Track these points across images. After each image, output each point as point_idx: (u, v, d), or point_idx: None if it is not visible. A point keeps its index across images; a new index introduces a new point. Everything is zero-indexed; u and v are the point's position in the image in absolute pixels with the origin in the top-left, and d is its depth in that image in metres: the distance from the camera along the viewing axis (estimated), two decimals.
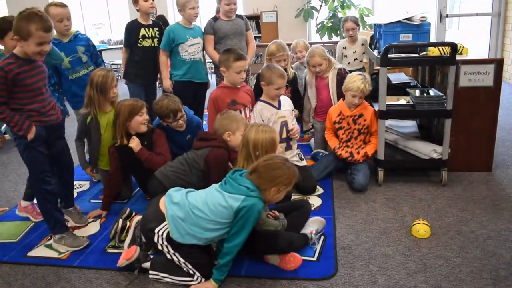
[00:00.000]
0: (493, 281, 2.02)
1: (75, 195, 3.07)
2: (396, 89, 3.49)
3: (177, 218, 2.07)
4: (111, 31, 10.54)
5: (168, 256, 2.10)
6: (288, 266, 2.19)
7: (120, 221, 2.47)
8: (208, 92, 3.60)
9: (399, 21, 3.23)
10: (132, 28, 3.67)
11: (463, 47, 3.32)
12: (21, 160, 2.43)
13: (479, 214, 2.64)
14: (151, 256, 2.23)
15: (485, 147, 3.20)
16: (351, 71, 3.49)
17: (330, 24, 7.77)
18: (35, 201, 2.84)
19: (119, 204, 3.04)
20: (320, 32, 7.88)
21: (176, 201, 2.12)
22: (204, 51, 3.92)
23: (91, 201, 3.18)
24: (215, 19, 3.87)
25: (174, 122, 3.03)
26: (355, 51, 4.36)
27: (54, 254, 2.46)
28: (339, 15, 7.73)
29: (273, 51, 3.71)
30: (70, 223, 2.77)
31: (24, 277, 2.28)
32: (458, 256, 2.23)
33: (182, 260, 2.08)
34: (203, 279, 2.08)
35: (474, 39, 8.12)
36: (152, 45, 3.71)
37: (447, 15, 6.55)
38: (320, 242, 2.42)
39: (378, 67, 3.05)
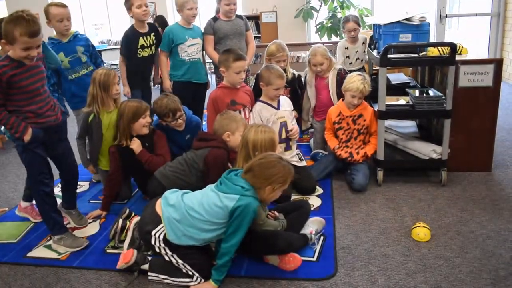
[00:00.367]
0: (492, 281, 2.02)
1: None
2: (396, 89, 3.49)
3: (173, 220, 2.06)
4: (111, 31, 10.54)
5: (166, 258, 2.10)
6: (288, 266, 2.18)
7: (120, 221, 2.47)
8: (208, 92, 3.61)
9: (398, 22, 3.23)
10: (131, 38, 3.60)
11: (462, 47, 3.32)
12: (20, 160, 2.43)
13: (478, 214, 2.64)
14: (150, 258, 2.23)
15: (485, 147, 3.20)
16: (352, 72, 3.48)
17: (329, 25, 7.77)
18: (34, 201, 2.84)
19: (118, 204, 3.04)
20: (319, 33, 7.88)
21: (172, 203, 2.12)
22: (204, 52, 3.92)
23: (91, 201, 3.18)
24: (214, 19, 3.87)
25: (173, 121, 3.03)
26: (357, 51, 4.34)
27: (54, 255, 2.46)
28: (339, 15, 7.73)
29: (273, 52, 3.71)
30: (70, 224, 2.77)
31: (24, 278, 2.27)
32: (457, 256, 2.23)
33: (180, 261, 2.08)
34: (203, 280, 2.08)
35: (473, 39, 8.12)
36: (151, 53, 3.69)
37: (446, 15, 6.56)
38: (320, 242, 2.42)
39: (378, 67, 3.05)
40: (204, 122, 4.13)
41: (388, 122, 3.70)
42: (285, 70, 3.71)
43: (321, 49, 3.61)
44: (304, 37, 8.89)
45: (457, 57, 3.00)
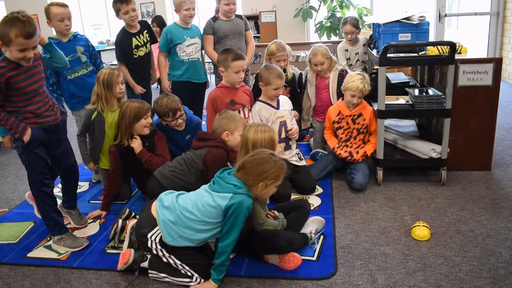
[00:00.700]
0: (492, 280, 2.02)
1: None
2: (395, 89, 3.49)
3: (168, 222, 2.06)
4: (110, 32, 10.53)
5: (164, 260, 2.09)
6: (288, 265, 2.19)
7: (120, 221, 2.47)
8: (207, 92, 3.60)
9: (398, 21, 3.23)
10: (124, 41, 3.60)
11: (462, 46, 3.32)
12: (19, 161, 2.44)
13: (478, 213, 2.64)
14: (148, 256, 2.23)
15: (484, 146, 3.20)
16: None
17: (329, 24, 7.77)
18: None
19: (118, 204, 3.04)
20: (319, 32, 7.88)
21: (166, 205, 2.11)
22: (203, 51, 3.92)
23: (91, 201, 3.18)
24: (214, 19, 3.87)
25: (173, 121, 3.04)
26: (357, 53, 4.30)
27: (54, 255, 2.46)
28: (338, 14, 7.73)
29: (273, 51, 3.71)
30: (70, 224, 2.77)
31: (24, 278, 2.27)
32: (457, 255, 2.23)
33: (178, 262, 2.08)
34: (202, 280, 2.08)
35: (473, 38, 8.13)
36: (147, 51, 3.69)
37: (445, 14, 6.56)
38: (320, 241, 2.42)
39: (377, 67, 3.05)
40: (203, 122, 4.13)
41: (388, 122, 3.70)
42: (285, 70, 3.71)
43: (322, 48, 3.61)
44: (304, 36, 8.89)
45: (457, 56, 3.00)
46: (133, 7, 3.52)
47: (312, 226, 2.45)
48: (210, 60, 4.02)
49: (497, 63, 3.03)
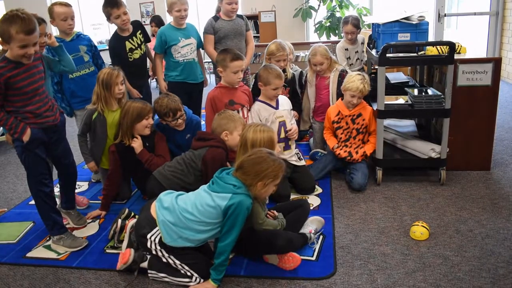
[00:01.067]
0: (491, 280, 2.02)
1: None
2: (395, 89, 3.49)
3: (168, 223, 2.06)
4: (110, 31, 10.53)
5: (164, 260, 2.09)
6: (287, 265, 2.19)
7: (119, 221, 2.47)
8: (206, 92, 3.59)
9: (397, 21, 3.23)
10: (117, 45, 3.54)
11: (461, 46, 3.32)
12: (19, 161, 2.43)
13: (477, 213, 2.64)
14: (148, 256, 2.23)
15: (484, 146, 3.20)
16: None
17: (328, 24, 7.77)
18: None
19: (118, 204, 3.04)
20: (318, 32, 7.88)
21: (166, 206, 2.11)
22: (202, 50, 3.89)
23: (90, 201, 3.16)
24: (215, 18, 3.85)
25: (173, 121, 3.04)
26: (357, 51, 4.30)
27: (53, 255, 2.46)
28: (337, 14, 7.73)
29: (272, 51, 3.70)
30: (69, 224, 2.77)
31: (23, 278, 2.27)
32: (456, 255, 2.23)
33: (178, 262, 2.08)
34: (202, 280, 2.08)
35: (472, 38, 8.13)
36: (141, 53, 3.62)
37: (445, 14, 6.56)
38: (319, 241, 2.42)
39: (377, 67, 3.05)
40: (202, 122, 4.13)
41: (387, 121, 3.70)
42: (284, 70, 3.71)
43: (322, 48, 3.61)
44: (303, 36, 8.89)
45: (456, 56, 3.00)
46: (124, 11, 3.43)
47: (311, 226, 2.45)
48: (210, 60, 4.00)
49: (497, 63, 3.03)
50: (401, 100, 3.23)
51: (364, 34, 4.56)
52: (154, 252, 2.09)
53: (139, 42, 3.59)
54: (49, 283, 2.22)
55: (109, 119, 2.95)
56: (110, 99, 2.94)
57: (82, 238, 2.59)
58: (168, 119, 3.03)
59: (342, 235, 2.49)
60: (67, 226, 2.67)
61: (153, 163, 2.85)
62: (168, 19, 8.66)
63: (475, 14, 7.39)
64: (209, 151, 2.64)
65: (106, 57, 3.53)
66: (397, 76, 3.94)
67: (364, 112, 3.21)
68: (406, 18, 3.22)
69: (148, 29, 5.29)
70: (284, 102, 3.23)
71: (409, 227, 2.48)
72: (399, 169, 3.30)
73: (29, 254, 2.50)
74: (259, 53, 5.84)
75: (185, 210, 2.06)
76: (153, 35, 5.47)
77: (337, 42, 4.62)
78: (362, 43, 4.29)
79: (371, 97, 3.35)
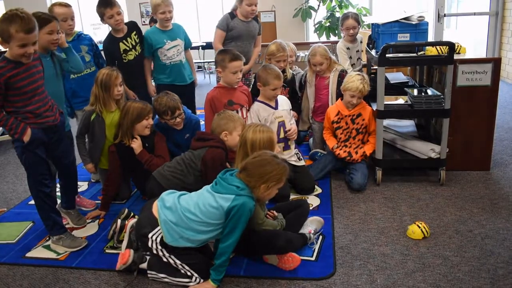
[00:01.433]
0: (491, 280, 2.02)
1: None
2: (394, 89, 3.49)
3: (170, 222, 2.06)
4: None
5: (164, 259, 2.09)
6: (287, 266, 2.19)
7: (119, 221, 2.47)
8: (205, 92, 3.58)
9: (397, 21, 3.23)
10: (111, 47, 3.50)
11: (460, 46, 3.32)
12: (18, 161, 2.43)
13: (477, 213, 2.64)
14: (147, 257, 2.23)
15: (483, 146, 3.20)
16: None
17: (328, 24, 7.77)
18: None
19: (117, 204, 3.04)
20: (318, 32, 7.88)
21: (168, 205, 2.11)
22: (192, 50, 3.82)
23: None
24: (232, 16, 3.81)
25: (171, 119, 3.04)
26: (358, 50, 4.18)
27: (53, 255, 2.46)
28: (337, 14, 7.73)
29: (273, 51, 3.70)
30: (69, 224, 2.77)
31: (23, 278, 2.27)
32: (456, 255, 2.23)
33: (178, 262, 2.08)
34: (202, 280, 2.08)
35: (472, 38, 8.13)
36: (137, 54, 3.57)
37: (445, 14, 6.56)
38: (319, 242, 2.42)
39: (376, 67, 3.05)
40: (202, 122, 4.12)
41: (387, 122, 3.70)
42: (284, 70, 3.71)
43: (321, 49, 3.61)
44: (303, 36, 8.89)
45: (456, 56, 3.00)
46: (117, 11, 3.39)
47: (311, 226, 2.45)
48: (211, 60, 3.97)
49: (496, 63, 3.03)
50: (400, 100, 3.24)
51: (364, 34, 4.55)
52: (155, 252, 2.09)
53: (134, 43, 3.54)
54: (49, 283, 2.22)
55: (108, 120, 2.94)
56: (108, 100, 2.93)
57: (82, 238, 2.59)
58: (167, 117, 3.03)
59: (341, 235, 2.49)
60: (66, 226, 2.67)
61: (152, 164, 2.85)
62: None
63: (474, 14, 7.39)
64: (209, 151, 2.64)
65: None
66: (396, 76, 3.94)
67: (363, 112, 3.21)
68: (406, 18, 3.22)
69: (147, 29, 5.23)
70: (284, 102, 3.23)
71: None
72: (398, 169, 3.30)
73: (28, 254, 2.49)
74: (259, 53, 5.83)
75: (187, 210, 2.06)
76: None
77: (336, 42, 4.58)
78: (361, 42, 4.25)
79: (370, 97, 3.35)
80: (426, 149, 3.12)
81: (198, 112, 3.91)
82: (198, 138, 2.78)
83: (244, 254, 2.31)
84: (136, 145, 2.88)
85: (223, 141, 2.72)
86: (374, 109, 3.14)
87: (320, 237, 2.46)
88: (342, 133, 3.27)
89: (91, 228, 2.75)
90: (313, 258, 2.28)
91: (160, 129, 3.10)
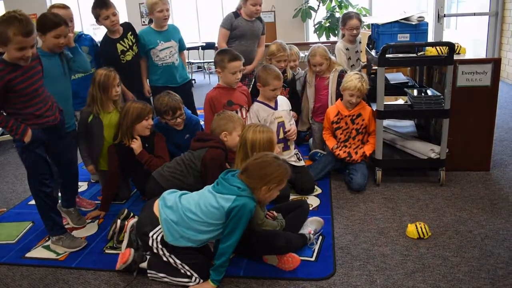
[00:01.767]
0: (491, 281, 2.02)
1: None
2: (394, 89, 3.49)
3: (171, 221, 2.06)
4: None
5: (164, 259, 2.09)
6: (287, 266, 2.19)
7: (118, 221, 2.47)
8: (204, 92, 3.57)
9: (396, 21, 3.23)
10: (108, 48, 3.46)
11: (460, 46, 3.32)
12: (18, 161, 2.44)
13: (477, 214, 2.64)
14: (147, 256, 2.23)
15: (483, 146, 3.20)
16: None
17: (328, 24, 7.77)
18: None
19: (117, 204, 3.04)
20: (318, 32, 7.88)
21: (169, 205, 2.11)
22: (187, 51, 3.79)
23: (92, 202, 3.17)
24: (236, 15, 3.82)
25: (172, 120, 3.04)
26: (357, 51, 4.16)
27: (52, 255, 2.46)
28: (337, 15, 7.73)
29: (273, 51, 3.70)
30: (69, 224, 2.77)
31: (22, 279, 2.27)
32: (456, 256, 2.23)
33: (178, 262, 2.08)
34: (201, 280, 2.08)
35: (471, 39, 8.13)
36: (134, 54, 3.54)
37: (444, 14, 6.56)
38: (319, 242, 2.42)
39: (376, 67, 3.05)
40: (202, 122, 4.12)
41: (387, 122, 3.70)
42: (285, 71, 3.71)
43: (321, 49, 3.61)
44: (303, 37, 8.89)
45: (455, 57, 3.00)
46: (113, 12, 3.37)
47: (311, 226, 2.45)
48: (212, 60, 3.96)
49: (496, 63, 3.03)
50: (400, 100, 3.23)
51: (363, 34, 4.54)
52: (155, 251, 2.09)
53: (131, 43, 3.52)
54: (48, 283, 2.22)
55: (105, 120, 2.94)
56: (106, 101, 2.92)
57: (81, 238, 2.59)
58: (168, 117, 3.03)
59: (341, 236, 2.48)
60: (66, 226, 2.67)
61: (152, 164, 2.85)
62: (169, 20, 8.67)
63: (474, 14, 7.40)
64: (208, 151, 2.64)
65: None
66: (396, 76, 3.93)
67: (363, 112, 3.21)
68: (406, 19, 3.22)
69: (141, 29, 5.18)
70: (283, 102, 3.23)
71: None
72: (398, 169, 3.30)
73: (28, 255, 2.49)
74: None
75: (188, 210, 2.06)
76: None
77: (336, 43, 4.56)
78: (360, 42, 4.23)
79: (370, 97, 3.35)
80: (426, 150, 3.12)
81: (198, 112, 3.91)
82: (198, 138, 2.78)
83: (244, 254, 2.31)
84: (136, 145, 2.88)
85: (223, 142, 2.72)
86: (374, 110, 3.14)
87: (320, 237, 2.46)
88: (342, 133, 3.27)
89: (91, 229, 2.75)
90: (313, 259, 2.28)
91: (160, 130, 3.10)
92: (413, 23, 3.18)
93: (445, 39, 6.48)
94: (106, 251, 2.47)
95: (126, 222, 2.44)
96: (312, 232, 2.41)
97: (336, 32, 7.61)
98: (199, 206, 2.04)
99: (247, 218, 2.01)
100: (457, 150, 3.18)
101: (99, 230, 2.72)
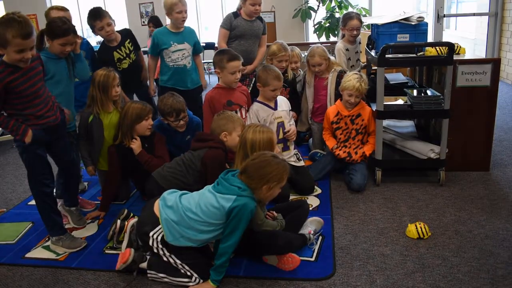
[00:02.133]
0: (491, 281, 2.02)
1: None
2: (394, 89, 3.49)
3: (171, 221, 2.06)
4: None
5: (164, 259, 2.09)
6: (287, 266, 2.19)
7: (118, 222, 2.47)
8: (204, 92, 3.57)
9: (396, 22, 3.23)
10: (105, 56, 3.47)
11: (460, 47, 3.32)
12: (18, 161, 2.44)
13: (476, 214, 2.64)
14: (147, 256, 2.23)
15: (483, 146, 3.20)
16: None
17: (327, 25, 7.77)
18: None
19: (117, 205, 3.04)
20: (317, 33, 7.88)
21: (170, 205, 2.11)
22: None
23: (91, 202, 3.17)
24: (235, 15, 3.82)
25: (175, 121, 3.04)
26: (357, 51, 4.16)
27: (52, 256, 2.46)
28: (337, 15, 7.73)
29: (274, 51, 3.70)
30: (69, 224, 2.77)
31: (22, 279, 2.27)
32: (456, 256, 2.23)
33: (178, 261, 2.08)
34: (201, 280, 2.08)
35: (471, 39, 8.13)
36: (130, 61, 3.55)
37: (444, 15, 6.56)
38: (318, 242, 2.42)
39: (376, 67, 3.05)
40: None
41: (386, 122, 3.70)
42: (286, 71, 3.71)
43: (320, 49, 3.61)
44: (302, 37, 8.89)
45: (455, 57, 3.00)
46: (107, 22, 3.38)
47: (310, 226, 2.45)
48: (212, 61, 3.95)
49: (496, 63, 3.03)
50: (400, 100, 3.24)
51: (363, 35, 4.54)
52: (155, 251, 2.09)
53: (128, 52, 3.51)
54: (48, 283, 2.22)
55: (105, 121, 2.94)
56: (106, 102, 2.92)
57: (81, 238, 2.59)
58: (171, 119, 3.03)
59: (341, 236, 2.49)
60: (66, 226, 2.67)
61: (152, 164, 2.85)
62: (167, 20, 8.67)
63: (474, 14, 7.40)
64: (208, 152, 2.64)
65: None
66: (396, 76, 3.94)
67: (363, 112, 3.21)
68: (405, 19, 3.22)
69: (146, 29, 5.21)
70: (283, 103, 3.23)
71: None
72: (398, 169, 3.30)
73: (28, 255, 2.49)
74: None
75: (188, 210, 2.06)
76: (150, 36, 5.45)
77: (336, 43, 4.56)
78: (360, 43, 4.23)
79: (370, 97, 3.35)
80: (426, 150, 3.12)
81: None
82: (198, 138, 2.78)
83: (243, 254, 2.31)
84: (136, 145, 2.88)
85: (223, 142, 2.72)
86: (374, 110, 3.14)
87: (320, 237, 2.46)
88: (341, 133, 3.27)
89: (91, 229, 2.75)
90: (312, 259, 2.28)
91: (161, 131, 3.10)
92: (413, 23, 3.19)
93: (445, 39, 6.49)
94: (106, 251, 2.47)
95: (126, 222, 2.44)
96: (312, 232, 2.41)
97: (336, 32, 7.61)
98: (199, 206, 2.05)
99: (248, 218, 2.01)
100: (457, 150, 3.18)
101: (99, 231, 2.72)
